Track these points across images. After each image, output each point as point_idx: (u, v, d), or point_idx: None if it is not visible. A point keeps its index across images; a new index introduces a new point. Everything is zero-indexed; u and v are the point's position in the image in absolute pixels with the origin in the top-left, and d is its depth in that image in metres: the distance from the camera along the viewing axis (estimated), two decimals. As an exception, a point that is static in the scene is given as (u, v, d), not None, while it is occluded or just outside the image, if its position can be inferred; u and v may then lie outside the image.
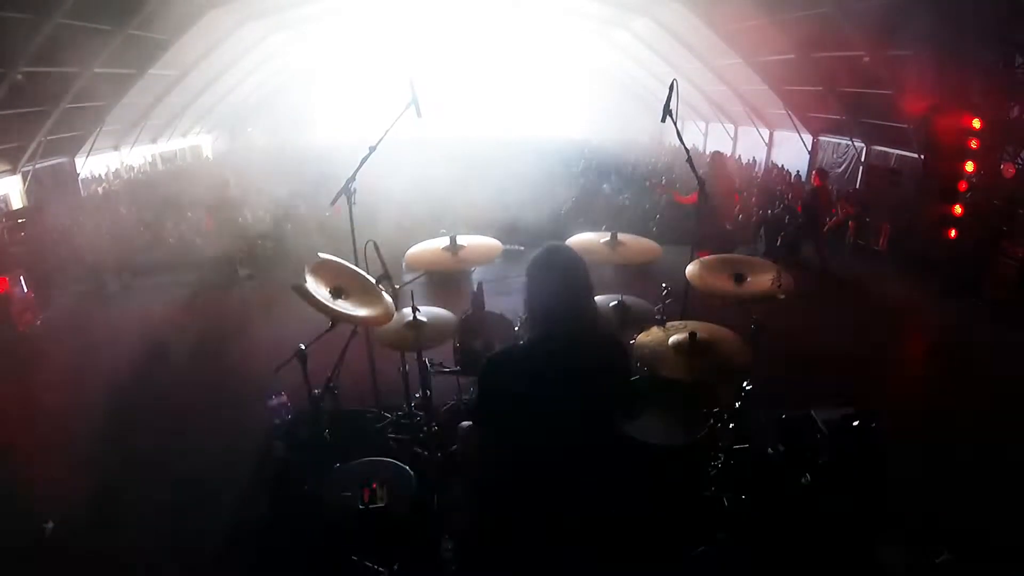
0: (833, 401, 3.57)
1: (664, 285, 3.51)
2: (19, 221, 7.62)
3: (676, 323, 2.98)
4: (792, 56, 9.43)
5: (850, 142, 10.92)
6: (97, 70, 8.81)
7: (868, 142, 10.38)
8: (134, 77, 10.15)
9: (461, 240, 3.41)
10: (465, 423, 2.13)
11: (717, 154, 7.39)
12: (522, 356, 1.86)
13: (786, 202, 10.00)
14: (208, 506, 3.28)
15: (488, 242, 3.57)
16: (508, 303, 3.97)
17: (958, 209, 6.98)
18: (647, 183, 11.42)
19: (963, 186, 6.93)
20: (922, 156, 8.06)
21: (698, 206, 3.70)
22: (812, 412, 3.45)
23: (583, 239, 3.51)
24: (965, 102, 6.73)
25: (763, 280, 2.95)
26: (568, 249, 1.91)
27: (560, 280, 1.80)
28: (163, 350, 5.44)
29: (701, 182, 3.34)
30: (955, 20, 6.29)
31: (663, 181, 11.48)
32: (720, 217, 6.25)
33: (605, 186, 11.76)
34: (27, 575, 2.94)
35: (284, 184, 10.21)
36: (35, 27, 6.98)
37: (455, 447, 3.13)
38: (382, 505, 2.37)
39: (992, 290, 6.42)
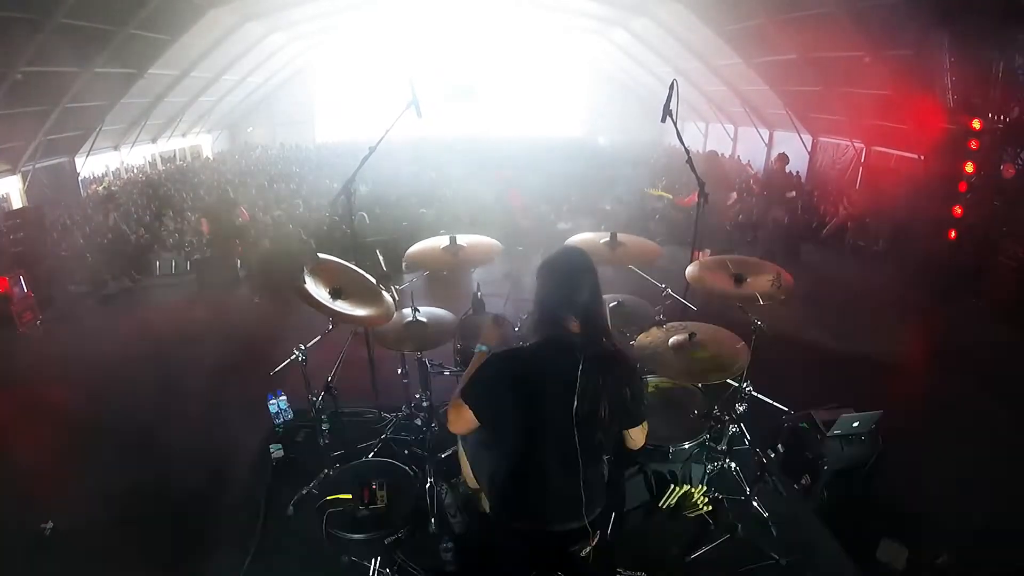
0: (833, 401, 3.58)
1: (664, 285, 3.51)
2: (19, 221, 7.61)
3: (676, 323, 2.98)
4: (792, 56, 9.43)
5: (850, 142, 10.92)
6: (97, 70, 8.81)
7: (868, 142, 10.38)
8: (134, 77, 10.15)
9: (461, 240, 3.40)
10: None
11: (712, 153, 7.51)
12: (524, 357, 1.81)
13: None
14: (208, 506, 3.27)
15: (488, 242, 3.56)
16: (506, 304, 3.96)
17: (958, 210, 6.96)
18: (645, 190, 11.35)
19: (963, 187, 6.90)
20: (922, 156, 8.06)
21: (698, 206, 3.70)
22: (812, 412, 3.47)
23: (582, 239, 3.50)
24: (965, 102, 6.72)
25: (763, 280, 2.94)
26: (579, 252, 1.85)
27: (567, 284, 1.76)
28: (162, 350, 5.44)
29: (701, 183, 3.34)
30: (955, 20, 6.28)
31: (663, 181, 11.48)
32: (721, 217, 6.27)
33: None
34: (27, 575, 2.94)
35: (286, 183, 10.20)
36: (35, 27, 6.98)
37: (454, 448, 3.12)
38: (382, 505, 2.37)
39: (992, 291, 6.41)
